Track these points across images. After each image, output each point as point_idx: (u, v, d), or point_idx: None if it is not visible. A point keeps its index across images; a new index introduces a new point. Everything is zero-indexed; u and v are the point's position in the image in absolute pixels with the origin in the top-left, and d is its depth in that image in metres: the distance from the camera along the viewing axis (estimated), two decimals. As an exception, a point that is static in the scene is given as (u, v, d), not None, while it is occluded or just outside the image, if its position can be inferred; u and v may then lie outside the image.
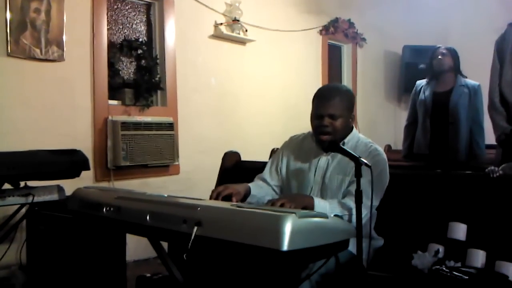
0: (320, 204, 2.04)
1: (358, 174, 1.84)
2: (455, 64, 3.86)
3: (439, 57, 3.86)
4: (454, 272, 1.90)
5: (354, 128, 2.34)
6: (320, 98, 2.25)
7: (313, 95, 2.32)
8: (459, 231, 2.15)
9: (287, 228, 1.42)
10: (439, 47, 3.93)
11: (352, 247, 1.82)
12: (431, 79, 3.94)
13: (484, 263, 2.04)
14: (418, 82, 4.07)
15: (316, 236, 1.54)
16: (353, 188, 2.09)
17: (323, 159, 2.27)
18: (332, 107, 2.20)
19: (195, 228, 1.59)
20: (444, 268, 1.96)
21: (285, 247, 1.41)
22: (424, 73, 4.37)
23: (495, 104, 2.88)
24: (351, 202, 2.05)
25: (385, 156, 2.25)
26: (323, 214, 1.67)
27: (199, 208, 1.66)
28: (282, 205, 1.93)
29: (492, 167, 2.37)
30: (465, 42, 4.23)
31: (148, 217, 1.77)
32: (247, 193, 2.27)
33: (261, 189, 2.35)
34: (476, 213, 2.23)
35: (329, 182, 2.21)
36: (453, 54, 3.87)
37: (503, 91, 2.82)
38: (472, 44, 4.47)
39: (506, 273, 1.94)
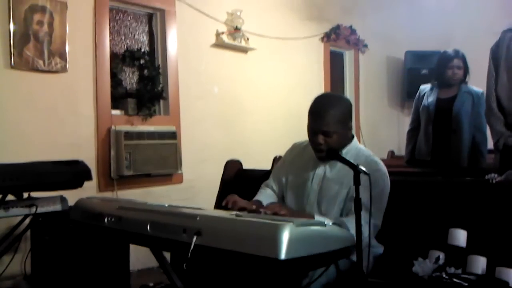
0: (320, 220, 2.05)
1: (356, 182, 1.84)
2: (465, 75, 3.83)
3: (456, 70, 3.79)
4: (455, 279, 1.91)
5: (355, 138, 2.32)
6: (313, 114, 2.22)
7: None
8: (460, 237, 2.15)
9: (285, 236, 1.44)
10: (453, 56, 3.81)
11: (352, 254, 1.83)
12: (437, 86, 3.91)
13: (484, 270, 2.04)
14: (422, 87, 4.04)
15: (314, 244, 1.55)
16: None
17: (321, 168, 2.28)
18: (325, 124, 2.16)
19: (195, 238, 1.60)
20: (444, 275, 1.96)
21: (283, 255, 1.43)
22: (430, 77, 4.32)
23: (492, 109, 2.89)
24: (350, 223, 1.97)
25: (385, 169, 2.24)
26: (320, 222, 1.68)
27: (198, 218, 1.68)
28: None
29: (492, 174, 2.37)
30: (467, 47, 4.20)
31: (148, 227, 1.80)
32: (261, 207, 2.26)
33: (270, 198, 2.38)
34: (477, 220, 2.23)
35: (326, 191, 2.22)
36: (465, 66, 3.82)
37: (499, 95, 2.83)
38: (474, 49, 4.45)
39: (506, 280, 1.93)
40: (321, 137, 2.18)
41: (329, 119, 2.17)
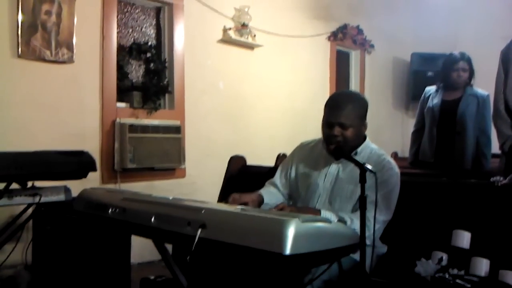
0: (326, 215, 2.04)
1: (362, 180, 1.84)
2: (470, 78, 3.83)
3: (461, 73, 3.79)
4: (457, 280, 1.90)
5: (368, 138, 2.32)
6: (331, 106, 2.21)
7: (320, 101, 2.31)
8: (463, 239, 2.14)
9: (290, 232, 1.43)
10: (459, 59, 3.81)
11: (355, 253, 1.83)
12: (443, 88, 3.91)
13: (487, 272, 2.04)
14: (427, 88, 4.04)
15: (319, 241, 1.54)
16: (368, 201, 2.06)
17: (334, 167, 2.26)
18: (343, 116, 2.16)
19: (199, 230, 1.60)
20: (447, 276, 1.95)
21: (288, 251, 1.42)
22: (436, 79, 4.31)
23: (500, 112, 2.88)
24: (357, 218, 1.97)
25: (398, 170, 2.24)
26: (326, 219, 1.68)
27: (203, 211, 1.67)
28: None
29: (497, 177, 2.36)
30: (474, 49, 4.19)
31: (153, 219, 1.79)
32: (261, 202, 2.28)
33: (273, 196, 2.37)
34: (480, 222, 2.22)
35: (339, 190, 2.21)
36: (471, 69, 3.82)
37: (507, 98, 2.83)
38: (481, 52, 4.45)
39: (509, 283, 1.93)
40: (338, 129, 2.17)
41: (348, 112, 2.17)
